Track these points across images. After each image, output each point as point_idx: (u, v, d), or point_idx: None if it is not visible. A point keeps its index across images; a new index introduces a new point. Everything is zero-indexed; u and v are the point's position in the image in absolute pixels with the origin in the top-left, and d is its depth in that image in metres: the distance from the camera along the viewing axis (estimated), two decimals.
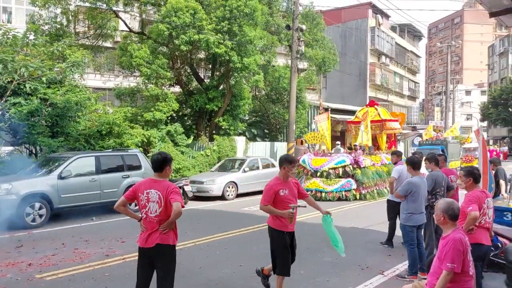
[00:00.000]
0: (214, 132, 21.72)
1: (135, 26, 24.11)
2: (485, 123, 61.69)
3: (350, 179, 14.58)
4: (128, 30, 21.83)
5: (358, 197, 14.37)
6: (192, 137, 20.55)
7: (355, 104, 33.86)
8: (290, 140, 20.15)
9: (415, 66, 51.81)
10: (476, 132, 6.98)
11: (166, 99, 18.79)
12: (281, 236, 4.92)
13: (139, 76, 20.17)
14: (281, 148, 22.27)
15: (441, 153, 9.48)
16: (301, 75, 27.80)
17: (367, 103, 20.17)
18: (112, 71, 27.44)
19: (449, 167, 7.68)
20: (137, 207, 4.55)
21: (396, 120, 19.72)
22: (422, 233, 6.57)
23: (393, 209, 7.87)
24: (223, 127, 20.77)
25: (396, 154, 8.35)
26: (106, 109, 17.97)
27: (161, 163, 4.18)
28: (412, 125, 44.51)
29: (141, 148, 16.38)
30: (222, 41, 18.23)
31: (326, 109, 20.50)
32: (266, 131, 25.58)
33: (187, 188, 13.82)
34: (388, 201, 8.13)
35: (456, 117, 51.49)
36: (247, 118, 26.64)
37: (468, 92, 76.39)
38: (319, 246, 7.99)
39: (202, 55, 21.97)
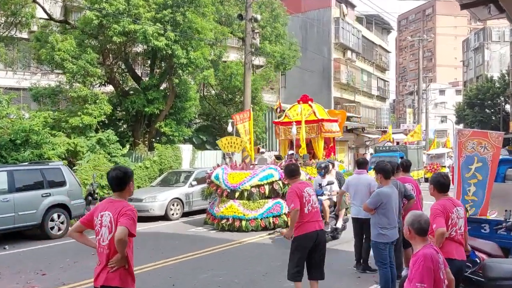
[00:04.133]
0: (154, 139, 21.45)
1: (57, 13, 23.45)
2: (461, 126, 64.86)
3: (279, 200, 12.66)
4: (48, 18, 21.21)
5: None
6: (128, 146, 20.21)
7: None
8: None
9: (384, 63, 53.68)
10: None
11: (97, 101, 18.43)
12: None
13: (63, 74, 19.61)
14: (235, 157, 22.32)
15: (400, 160, 9.84)
16: (257, 72, 28.14)
17: (299, 99, 17.79)
18: (28, 68, 26.45)
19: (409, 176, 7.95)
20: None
21: (335, 121, 17.50)
22: (393, 250, 6.81)
23: (360, 226, 8.06)
24: (165, 134, 20.58)
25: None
26: (21, 114, 17.32)
27: (121, 180, 4.07)
28: (383, 129, 46.01)
29: (65, 161, 15.96)
30: (163, 32, 18.13)
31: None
32: (217, 137, 25.57)
33: None
34: (353, 218, 8.33)
35: (430, 120, 53.88)
36: (194, 123, 26.54)
37: (442, 92, 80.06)
38: (277, 270, 8.07)
39: (139, 48, 21.73)
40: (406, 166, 7.95)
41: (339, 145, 33.79)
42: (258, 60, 27.45)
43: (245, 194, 12.70)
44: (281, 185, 12.73)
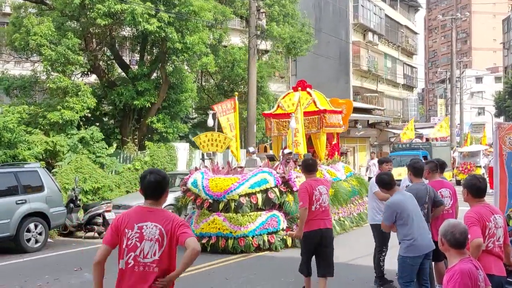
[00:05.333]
0: (145, 137, 21.46)
1: None
2: (501, 119, 64.35)
3: (276, 212, 11.64)
4: None
5: (290, 242, 11.42)
6: (115, 145, 20.26)
7: (335, 96, 34.32)
8: (250, 143, 20.24)
9: (412, 46, 53.47)
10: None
11: (78, 93, 18.47)
12: None
13: (39, 62, 19.67)
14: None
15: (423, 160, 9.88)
16: (264, 58, 28.12)
17: (294, 85, 16.98)
18: None
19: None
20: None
21: (339, 112, 16.73)
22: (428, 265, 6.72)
23: (382, 234, 8.03)
24: (158, 130, 20.62)
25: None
26: None
27: (160, 186, 4.02)
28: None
29: (43, 162, 15.99)
30: (154, 13, 18.12)
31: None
32: None
33: (109, 216, 13.59)
34: (371, 225, 8.33)
35: (465, 112, 53.58)
36: (191, 117, 26.57)
37: (479, 79, 79.67)
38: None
39: (127, 32, 21.74)
40: (441, 167, 7.87)
41: (358, 142, 33.79)
42: (265, 44, 27.39)
43: (232, 205, 11.45)
44: (277, 193, 11.61)
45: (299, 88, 16.02)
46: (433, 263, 7.37)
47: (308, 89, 16.38)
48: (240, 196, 11.46)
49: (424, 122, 61.00)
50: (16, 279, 9.29)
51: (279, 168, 12.24)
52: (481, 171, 25.13)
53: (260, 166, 13.54)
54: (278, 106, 16.55)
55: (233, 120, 14.56)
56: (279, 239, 11.35)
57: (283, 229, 11.43)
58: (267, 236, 11.27)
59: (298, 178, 11.80)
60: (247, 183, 11.62)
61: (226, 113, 14.57)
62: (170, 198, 15.13)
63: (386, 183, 6.59)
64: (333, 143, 16.84)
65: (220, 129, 14.89)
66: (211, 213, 11.67)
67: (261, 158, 16.10)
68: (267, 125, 17.01)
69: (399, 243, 6.49)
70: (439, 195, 7.23)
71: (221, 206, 11.58)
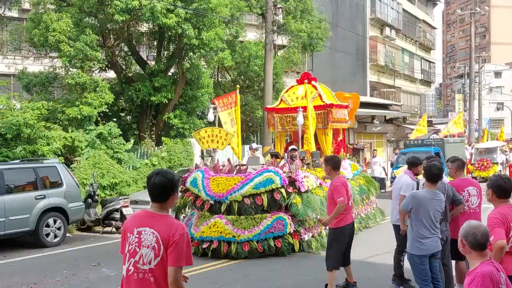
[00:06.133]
0: (162, 132, 21.54)
1: None
2: None
3: (282, 214, 10.88)
4: None
5: (297, 247, 10.81)
6: (132, 141, 20.35)
7: (352, 92, 34.13)
8: (266, 143, 20.22)
9: (429, 41, 52.93)
10: None
11: (96, 89, 18.58)
12: None
13: (58, 58, 19.83)
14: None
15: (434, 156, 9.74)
16: (279, 53, 28.03)
17: (298, 78, 15.98)
18: (19, 51, 26.85)
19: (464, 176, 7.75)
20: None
21: (345, 107, 15.75)
22: (439, 264, 6.70)
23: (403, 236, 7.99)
24: (175, 126, 20.67)
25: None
26: (12, 104, 17.57)
27: (165, 189, 3.78)
28: (427, 119, 45.41)
29: (61, 158, 16.11)
30: (172, 9, 18.14)
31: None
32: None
33: (126, 211, 13.71)
34: (394, 225, 8.29)
35: (484, 107, 52.95)
36: (207, 113, 26.56)
37: (498, 74, 78.56)
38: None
39: (144, 28, 21.80)
40: (462, 165, 7.75)
41: (375, 138, 33.52)
42: (281, 40, 27.30)
43: (235, 207, 10.68)
44: (284, 194, 10.74)
45: (306, 81, 14.65)
46: (453, 262, 7.35)
47: (313, 82, 15.26)
48: (244, 197, 10.70)
49: (442, 118, 60.37)
50: (35, 274, 9.42)
51: (286, 167, 11.42)
52: (498, 168, 24.68)
53: (264, 165, 12.78)
54: (281, 100, 15.63)
55: (234, 115, 13.58)
56: (286, 244, 10.64)
57: (289, 233, 10.71)
58: (273, 241, 10.54)
59: (306, 178, 11.42)
60: (251, 183, 10.81)
61: (228, 107, 13.68)
62: None
63: (435, 175, 6.46)
64: (339, 139, 15.77)
65: (220, 125, 14.02)
66: (212, 215, 10.91)
67: (256, 158, 14.95)
68: (270, 121, 16.11)
69: (406, 236, 6.62)
70: (464, 193, 7.15)
71: (223, 207, 10.76)
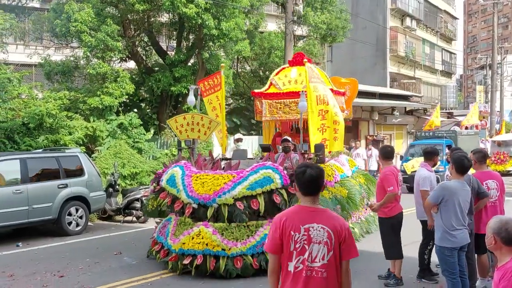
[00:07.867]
0: None
1: None
2: None
3: None
4: None
5: None
6: (152, 131, 20.45)
7: (372, 83, 34.06)
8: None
9: (451, 31, 52.27)
10: None
11: (117, 79, 18.68)
12: None
13: (79, 48, 19.94)
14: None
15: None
16: (299, 44, 27.88)
17: (290, 59, 14.11)
18: (40, 41, 27.09)
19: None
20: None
21: (342, 94, 13.52)
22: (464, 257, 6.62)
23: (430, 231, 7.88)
24: None
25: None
26: (34, 94, 17.74)
27: (319, 180, 3.76)
28: (448, 110, 44.93)
29: (83, 147, 16.26)
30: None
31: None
32: (252, 120, 25.54)
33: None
34: (420, 221, 8.18)
35: (506, 99, 52.13)
36: (227, 104, 26.55)
37: None
38: None
39: (164, 18, 21.82)
40: (483, 157, 7.63)
41: (395, 129, 33.28)
42: (301, 30, 27.13)
43: (225, 212, 8.39)
44: (285, 196, 8.56)
45: (305, 60, 12.01)
46: (475, 255, 7.25)
47: (308, 64, 11.82)
48: (236, 199, 8.42)
49: (463, 109, 59.66)
50: (58, 262, 9.50)
51: (285, 162, 9.35)
52: None
53: (252, 159, 11.05)
54: (271, 83, 13.04)
55: (219, 100, 11.98)
56: None
57: None
58: None
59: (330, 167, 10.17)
60: (245, 182, 8.58)
61: (214, 91, 12.12)
62: None
63: (467, 167, 6.43)
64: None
65: (204, 112, 12.66)
66: (195, 222, 8.62)
67: (242, 152, 13.12)
68: (257, 107, 13.53)
69: (434, 229, 6.53)
70: (483, 186, 7.05)
71: (209, 213, 8.43)
